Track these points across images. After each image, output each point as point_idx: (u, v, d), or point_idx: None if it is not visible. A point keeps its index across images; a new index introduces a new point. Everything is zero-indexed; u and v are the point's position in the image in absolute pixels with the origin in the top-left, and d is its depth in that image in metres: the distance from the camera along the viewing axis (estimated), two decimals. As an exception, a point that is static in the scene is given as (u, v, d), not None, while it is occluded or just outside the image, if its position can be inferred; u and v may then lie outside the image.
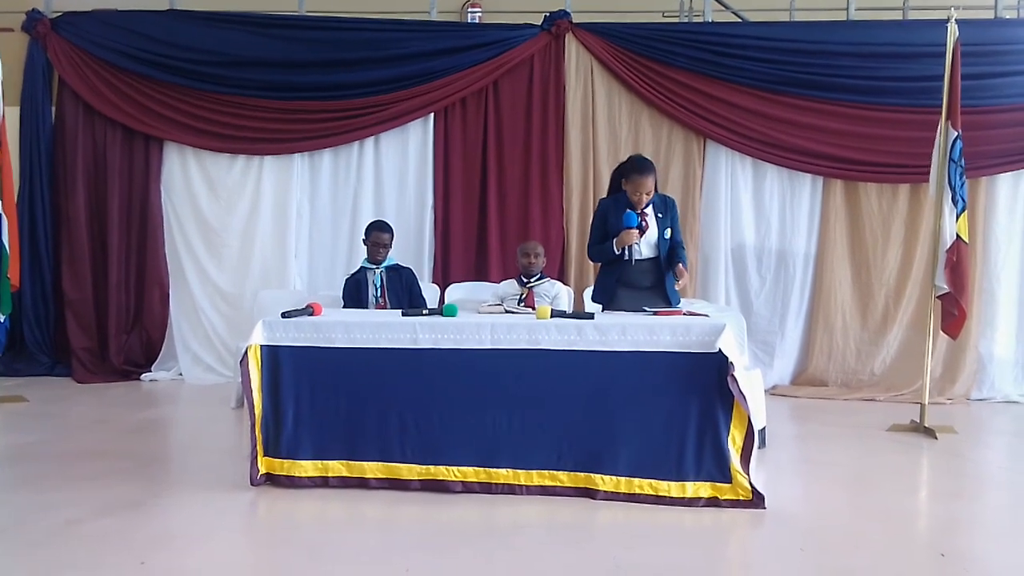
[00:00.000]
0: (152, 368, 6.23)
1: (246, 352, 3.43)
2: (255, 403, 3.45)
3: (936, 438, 4.63)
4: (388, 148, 6.21)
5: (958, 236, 4.67)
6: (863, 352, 5.94)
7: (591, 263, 5.98)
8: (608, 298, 4.16)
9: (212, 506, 3.29)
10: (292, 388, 3.47)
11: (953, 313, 4.73)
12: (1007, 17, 6.15)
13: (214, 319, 6.24)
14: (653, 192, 4.03)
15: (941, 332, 4.89)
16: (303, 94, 6.10)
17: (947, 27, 4.72)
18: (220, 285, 6.25)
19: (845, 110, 5.80)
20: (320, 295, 5.35)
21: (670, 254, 4.08)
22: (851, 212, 5.96)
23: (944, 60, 4.72)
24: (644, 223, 4.02)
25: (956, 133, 4.67)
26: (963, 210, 4.70)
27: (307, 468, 3.47)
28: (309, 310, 3.62)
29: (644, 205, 4.02)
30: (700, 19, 6.42)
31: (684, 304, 4.13)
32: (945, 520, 3.45)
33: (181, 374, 6.19)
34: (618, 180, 4.14)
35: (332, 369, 3.46)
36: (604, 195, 5.93)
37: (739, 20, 6.50)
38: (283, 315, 3.53)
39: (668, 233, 4.08)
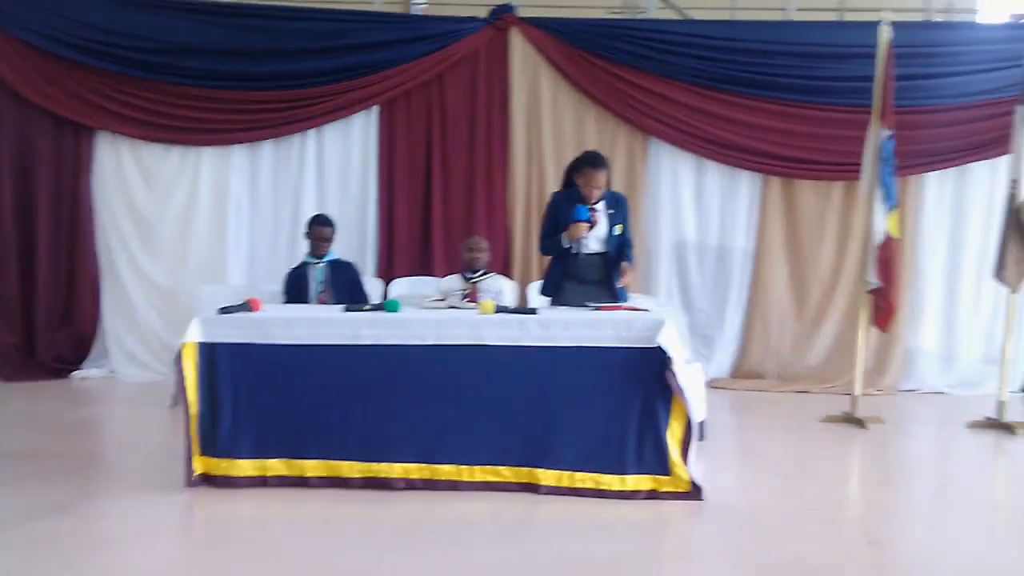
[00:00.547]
0: (83, 366, 6.03)
1: (181, 350, 3.35)
2: (190, 402, 3.37)
3: (866, 428, 4.79)
4: (331, 140, 6.12)
5: (889, 233, 4.82)
6: (798, 345, 6.09)
7: (535, 258, 6.03)
8: (555, 291, 4.19)
9: (145, 508, 3.21)
10: (230, 386, 3.40)
11: (883, 307, 4.89)
12: (937, 20, 6.37)
13: (149, 314, 6.07)
14: (605, 187, 4.06)
15: (872, 325, 5.05)
16: (243, 83, 5.96)
17: (880, 29, 4.87)
18: (155, 279, 6.08)
19: (782, 108, 5.92)
20: (260, 289, 5.23)
21: (618, 251, 4.12)
22: (788, 209, 6.10)
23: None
24: (594, 218, 4.05)
25: (887, 133, 4.83)
26: (894, 208, 4.86)
27: (245, 467, 3.41)
28: (247, 306, 3.55)
29: (595, 200, 4.05)
30: (644, 16, 6.48)
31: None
32: (874, 508, 3.59)
33: (114, 372, 6.01)
34: (572, 174, 4.17)
35: (272, 366, 3.41)
36: (548, 190, 5.99)
37: (681, 18, 6.58)
38: (220, 311, 3.46)
39: (618, 230, 4.11)
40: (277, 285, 5.11)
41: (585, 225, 3.99)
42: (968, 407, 5.29)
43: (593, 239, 4.06)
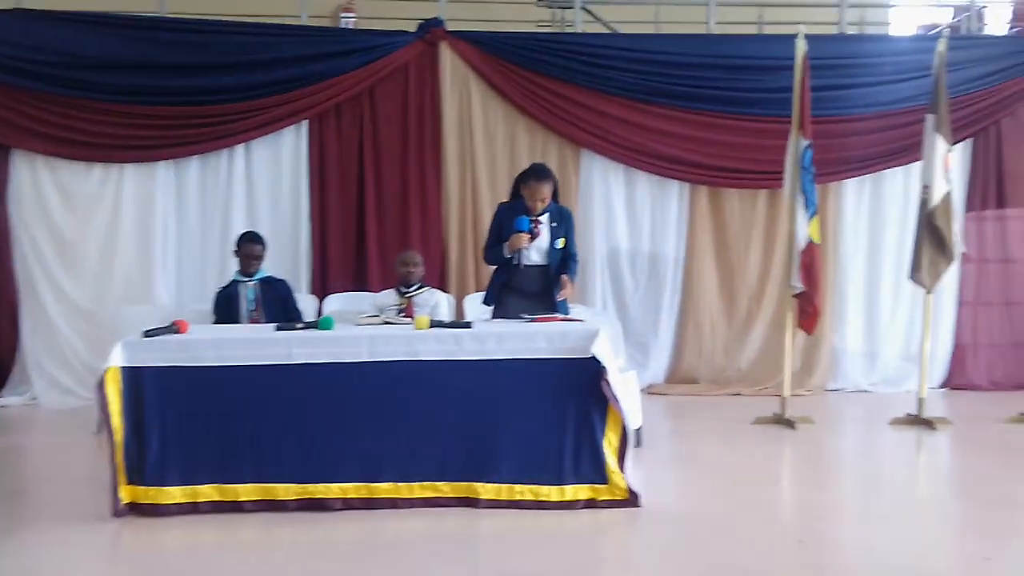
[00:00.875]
0: (2, 393, 5.77)
1: (103, 375, 3.24)
2: (115, 429, 3.26)
3: (795, 429, 4.94)
4: (260, 156, 6.01)
5: (810, 239, 4.99)
6: (729, 349, 6.24)
7: (472, 270, 6.05)
8: (496, 302, 4.22)
9: (70, 541, 3.09)
10: (157, 411, 3.30)
11: (808, 311, 5.05)
12: (851, 33, 6.64)
13: (72, 338, 5.84)
14: (549, 200, 4.11)
15: (798, 328, 5.21)
16: (167, 99, 5.81)
17: (796, 42, 5.05)
18: (78, 302, 5.85)
19: (707, 119, 6.07)
20: (189, 309, 5.13)
21: (561, 265, 4.16)
22: (715, 217, 6.24)
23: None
24: (536, 229, 4.08)
25: (806, 142, 5.00)
26: (814, 214, 5.03)
27: (175, 494, 3.31)
28: (174, 328, 3.46)
29: (539, 212, 4.09)
30: (572, 29, 6.58)
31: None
32: (803, 507, 3.70)
33: (35, 398, 5.76)
34: (519, 185, 4.20)
35: (201, 389, 3.33)
36: (483, 202, 6.06)
37: (608, 32, 6.70)
38: (145, 334, 3.37)
39: (561, 243, 4.15)
40: (207, 305, 4.99)
41: (525, 236, 4.02)
42: (891, 404, 5.50)
43: (534, 251, 4.10)
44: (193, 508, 3.31)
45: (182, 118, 5.85)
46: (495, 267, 4.29)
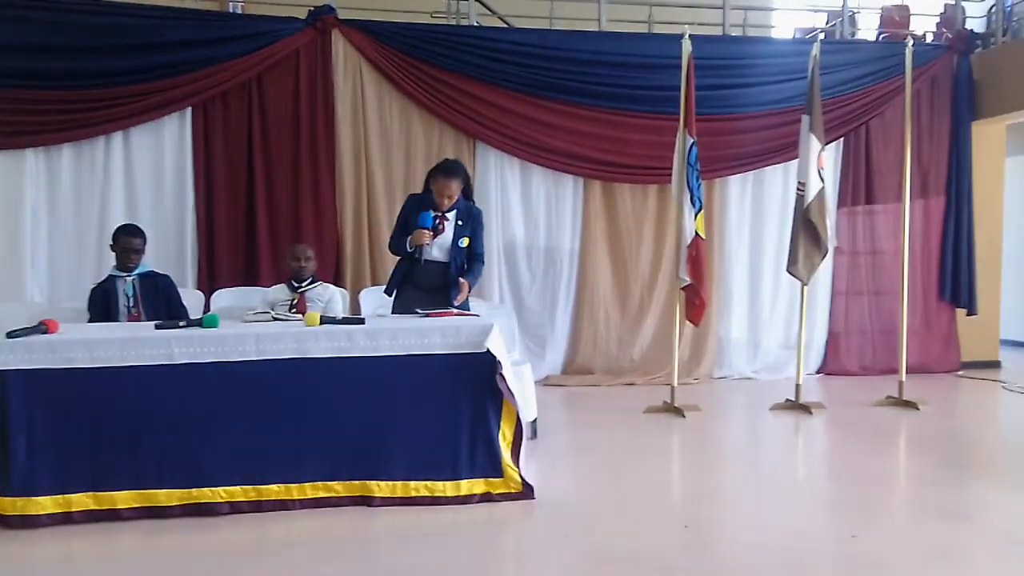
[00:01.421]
0: None
1: (-38, 380, 3.02)
2: (-25, 437, 3.05)
3: (684, 416, 5.12)
4: (140, 144, 5.74)
5: (697, 233, 5.18)
6: (623, 340, 6.42)
7: (367, 264, 5.97)
8: (396, 294, 4.18)
9: (-75, 560, 2.86)
10: (24, 417, 3.10)
11: (695, 302, 5.24)
12: (734, 34, 6.91)
13: (-70, 339, 5.41)
14: (457, 197, 4.07)
15: (685, 319, 5.39)
16: (36, 82, 5.46)
17: (683, 42, 5.21)
18: (-64, 300, 5.44)
19: (599, 115, 6.21)
20: (64, 308, 4.83)
21: (466, 263, 4.13)
22: (609, 211, 6.40)
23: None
24: (440, 226, 4.04)
25: (692, 140, 5.17)
26: (700, 209, 5.22)
27: (45, 504, 3.12)
28: (42, 328, 3.26)
29: (447, 209, 4.05)
30: (467, 22, 6.56)
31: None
32: (691, 492, 3.84)
33: None
34: (428, 179, 4.15)
35: (73, 393, 3.14)
36: (378, 194, 6.00)
37: (503, 25, 6.72)
38: (9, 335, 3.15)
39: (465, 242, 4.12)
40: (82, 303, 4.72)
41: (428, 232, 3.98)
42: (772, 390, 5.79)
43: (437, 248, 4.06)
44: (66, 518, 3.13)
45: (53, 103, 5.53)
46: (398, 258, 4.24)
